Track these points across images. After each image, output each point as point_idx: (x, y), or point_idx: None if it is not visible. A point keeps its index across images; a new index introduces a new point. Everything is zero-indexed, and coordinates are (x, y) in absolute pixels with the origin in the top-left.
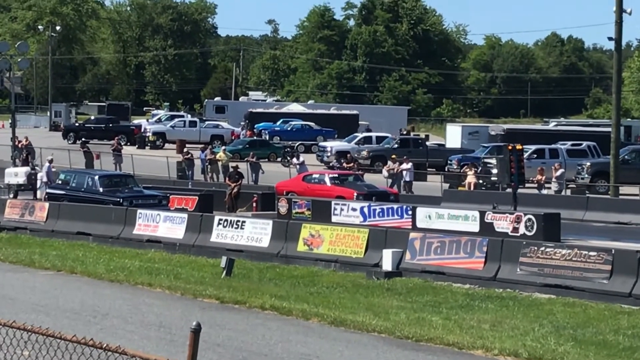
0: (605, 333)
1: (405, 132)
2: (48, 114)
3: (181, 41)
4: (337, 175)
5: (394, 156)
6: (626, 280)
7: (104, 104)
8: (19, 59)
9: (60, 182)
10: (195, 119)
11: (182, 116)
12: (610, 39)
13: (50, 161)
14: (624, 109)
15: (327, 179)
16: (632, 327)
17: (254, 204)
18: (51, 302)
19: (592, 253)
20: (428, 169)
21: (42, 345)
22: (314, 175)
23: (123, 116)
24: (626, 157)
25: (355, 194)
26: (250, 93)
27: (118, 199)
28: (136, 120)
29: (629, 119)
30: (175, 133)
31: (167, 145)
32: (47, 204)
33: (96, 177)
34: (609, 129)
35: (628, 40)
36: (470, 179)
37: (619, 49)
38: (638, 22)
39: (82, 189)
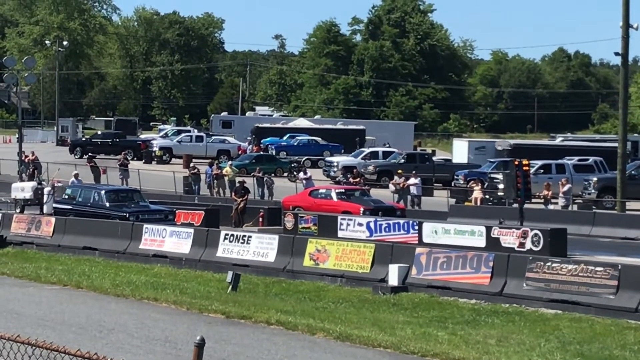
0: (611, 348)
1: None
2: (55, 128)
3: (188, 56)
4: (343, 191)
5: (399, 171)
6: (633, 296)
7: (111, 118)
8: (26, 74)
9: (66, 197)
10: (201, 133)
11: (189, 131)
12: (617, 54)
13: (76, 175)
14: (631, 124)
15: (333, 194)
16: (638, 342)
17: (260, 219)
18: (57, 317)
19: (598, 268)
20: (434, 184)
21: (47, 359)
22: (320, 191)
23: (131, 131)
24: (633, 172)
25: (361, 209)
26: (257, 108)
27: (124, 214)
28: (144, 135)
29: (635, 134)
30: (182, 148)
31: (173, 160)
32: (53, 219)
33: (102, 192)
34: (616, 144)
35: (635, 55)
36: (477, 194)
37: (626, 64)
38: None
39: (89, 204)
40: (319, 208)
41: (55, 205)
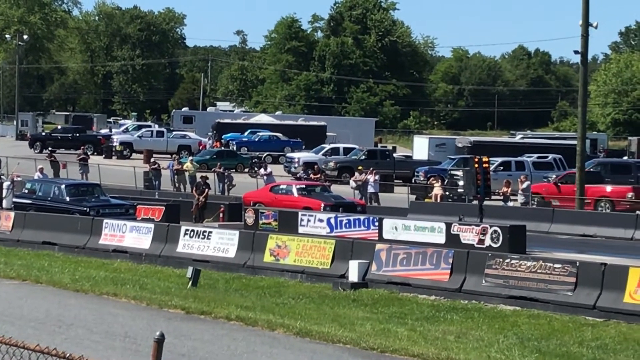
0: (569, 345)
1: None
2: (15, 123)
3: (149, 51)
4: (304, 186)
5: (360, 167)
6: (590, 293)
7: (71, 113)
8: None
9: (26, 191)
10: (162, 129)
11: (150, 126)
12: (576, 52)
13: (41, 170)
14: (590, 122)
15: (294, 190)
16: (596, 339)
17: (221, 215)
18: (16, 312)
19: (557, 265)
20: (395, 181)
21: (5, 354)
22: (281, 186)
23: (87, 127)
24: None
25: (322, 205)
26: (218, 103)
27: (85, 208)
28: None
29: (594, 132)
30: (143, 143)
31: (134, 155)
32: (12, 213)
33: (62, 186)
34: (575, 142)
35: (594, 54)
36: (437, 190)
37: (585, 62)
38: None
39: (49, 198)
40: (280, 204)
41: (15, 199)
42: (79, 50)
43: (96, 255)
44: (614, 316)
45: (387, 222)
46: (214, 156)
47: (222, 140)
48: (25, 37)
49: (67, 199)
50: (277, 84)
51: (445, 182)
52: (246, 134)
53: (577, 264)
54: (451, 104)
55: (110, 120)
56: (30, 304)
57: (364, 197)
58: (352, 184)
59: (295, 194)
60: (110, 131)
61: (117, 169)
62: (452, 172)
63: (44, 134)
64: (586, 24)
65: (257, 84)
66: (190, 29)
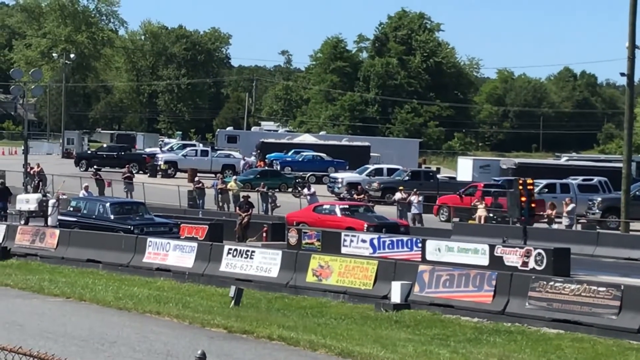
0: None
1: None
2: (61, 141)
3: (194, 70)
4: (347, 207)
5: (401, 188)
6: (635, 316)
7: (115, 132)
8: (33, 86)
9: (71, 209)
10: (207, 148)
11: (194, 145)
12: (622, 74)
13: (86, 188)
14: (636, 144)
15: (337, 210)
16: None
17: (264, 234)
18: (59, 329)
19: (601, 288)
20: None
21: None
22: (324, 206)
23: (130, 145)
24: (637, 193)
25: (365, 225)
26: (263, 123)
27: (129, 227)
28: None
29: None
30: (187, 162)
31: (178, 174)
32: (57, 231)
33: (107, 204)
34: (621, 165)
35: None
36: (481, 212)
37: (631, 84)
38: None
39: (94, 216)
40: (323, 224)
41: (60, 217)
42: (124, 69)
43: (139, 273)
44: None
45: (431, 243)
46: (258, 176)
47: (266, 160)
48: (72, 55)
49: (112, 217)
50: (321, 104)
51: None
52: (290, 153)
53: (622, 288)
54: (496, 125)
55: (163, 140)
56: (74, 321)
57: (405, 218)
58: (398, 195)
59: (339, 214)
60: (161, 149)
61: (161, 188)
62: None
63: (89, 152)
64: (632, 46)
65: (302, 103)
66: (236, 49)
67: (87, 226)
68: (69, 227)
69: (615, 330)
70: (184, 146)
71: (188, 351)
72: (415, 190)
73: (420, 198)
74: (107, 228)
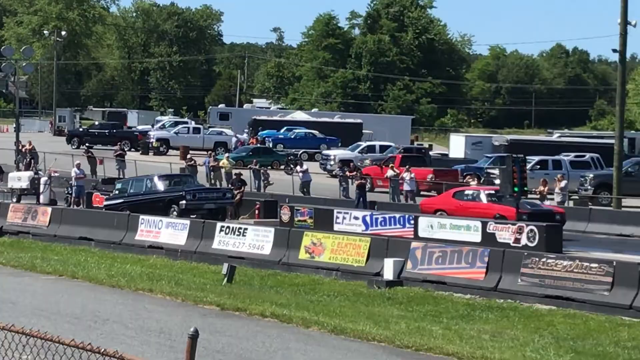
0: (605, 345)
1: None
2: (52, 118)
3: (186, 48)
4: (493, 192)
5: (391, 165)
6: (627, 293)
7: (107, 109)
8: (24, 64)
9: (117, 192)
10: (199, 125)
11: (186, 122)
12: (614, 50)
13: (78, 165)
14: (628, 121)
15: (482, 196)
16: (632, 339)
17: (257, 212)
18: (52, 307)
19: (593, 265)
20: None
21: (41, 349)
22: (466, 192)
23: (121, 123)
24: (629, 169)
25: (518, 214)
26: (255, 100)
27: (181, 193)
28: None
29: (632, 131)
30: (179, 139)
31: (170, 152)
32: (49, 209)
33: (155, 178)
34: (613, 141)
35: (633, 52)
36: None
37: (623, 61)
38: None
39: (142, 192)
40: (465, 211)
41: (106, 202)
42: (116, 47)
43: (132, 251)
44: None
45: (423, 220)
46: (250, 153)
47: (258, 137)
48: (63, 33)
49: (162, 188)
50: (313, 81)
51: (482, 181)
52: (282, 131)
53: (614, 264)
54: (488, 102)
55: (163, 117)
56: (67, 299)
57: (396, 195)
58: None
59: (484, 200)
60: (152, 127)
61: (153, 165)
62: (489, 170)
63: (81, 129)
64: (625, 22)
65: (294, 81)
66: (227, 26)
67: (137, 204)
68: (117, 210)
69: (608, 306)
70: (176, 123)
71: (181, 328)
72: (407, 166)
73: (413, 175)
74: (158, 200)
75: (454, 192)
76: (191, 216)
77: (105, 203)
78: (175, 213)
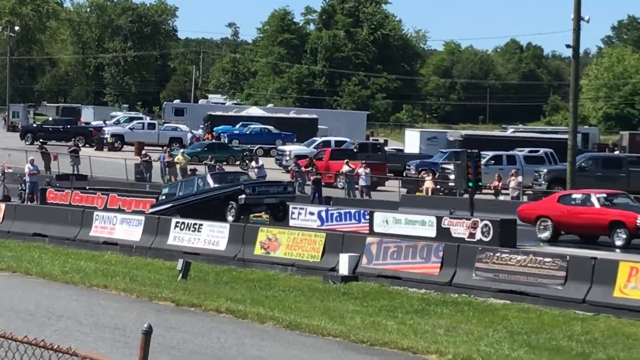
0: (559, 339)
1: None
2: (5, 114)
3: (141, 43)
4: (605, 195)
5: (346, 160)
6: (580, 287)
7: (61, 105)
8: None
9: (164, 197)
10: (154, 121)
11: (141, 118)
12: (568, 46)
13: (32, 161)
14: (582, 116)
15: (594, 200)
16: (585, 333)
17: None
18: (5, 303)
19: (547, 259)
20: (386, 174)
21: None
22: (574, 196)
23: (75, 118)
24: (583, 164)
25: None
26: (210, 96)
27: (239, 186)
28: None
29: (586, 127)
30: (134, 135)
31: (125, 147)
32: (2, 205)
33: (207, 176)
34: (566, 136)
35: (586, 47)
36: (428, 184)
37: (577, 56)
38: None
39: (193, 192)
40: (575, 217)
41: (154, 209)
42: (70, 42)
43: (87, 247)
44: (604, 310)
45: (378, 216)
46: (205, 149)
47: (214, 133)
48: (16, 28)
49: (215, 185)
50: (268, 76)
51: (437, 176)
52: (237, 126)
53: (567, 258)
54: (443, 97)
55: (117, 113)
56: (20, 295)
57: (351, 192)
58: (346, 167)
59: (597, 205)
60: (105, 122)
61: (108, 161)
62: (444, 165)
63: (35, 125)
64: (578, 18)
65: (249, 76)
66: (182, 21)
67: (188, 206)
68: (167, 215)
69: (561, 301)
70: (130, 119)
71: (135, 324)
72: (363, 162)
73: (368, 170)
74: (213, 198)
75: (559, 196)
76: (251, 215)
77: (152, 210)
78: (233, 211)
